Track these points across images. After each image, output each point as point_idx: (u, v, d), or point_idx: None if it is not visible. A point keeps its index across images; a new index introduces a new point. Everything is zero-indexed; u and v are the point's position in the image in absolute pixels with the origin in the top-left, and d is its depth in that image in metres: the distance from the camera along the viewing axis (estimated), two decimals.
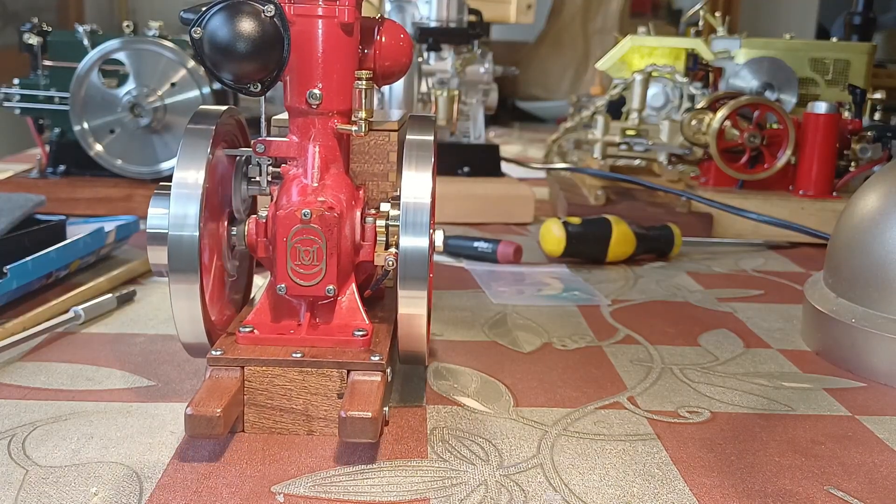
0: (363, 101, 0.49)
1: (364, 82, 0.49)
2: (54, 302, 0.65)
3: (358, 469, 0.45)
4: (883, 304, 0.60)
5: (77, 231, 0.77)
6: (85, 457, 0.45)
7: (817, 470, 0.46)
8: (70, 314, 0.64)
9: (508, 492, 0.43)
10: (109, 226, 0.80)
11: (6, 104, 1.04)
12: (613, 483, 0.44)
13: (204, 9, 0.45)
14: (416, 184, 0.48)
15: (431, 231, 0.53)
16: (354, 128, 0.50)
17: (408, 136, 0.50)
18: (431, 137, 0.50)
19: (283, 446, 0.47)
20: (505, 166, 1.16)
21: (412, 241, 0.48)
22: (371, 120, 0.51)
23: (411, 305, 0.48)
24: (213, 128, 0.49)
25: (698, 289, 0.81)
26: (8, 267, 0.64)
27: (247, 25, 0.44)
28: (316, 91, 0.49)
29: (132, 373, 0.56)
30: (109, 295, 0.68)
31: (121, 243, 0.82)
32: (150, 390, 0.54)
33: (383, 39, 0.52)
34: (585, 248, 0.87)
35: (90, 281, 0.71)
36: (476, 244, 0.88)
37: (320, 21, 0.48)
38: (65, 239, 0.75)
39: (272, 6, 0.45)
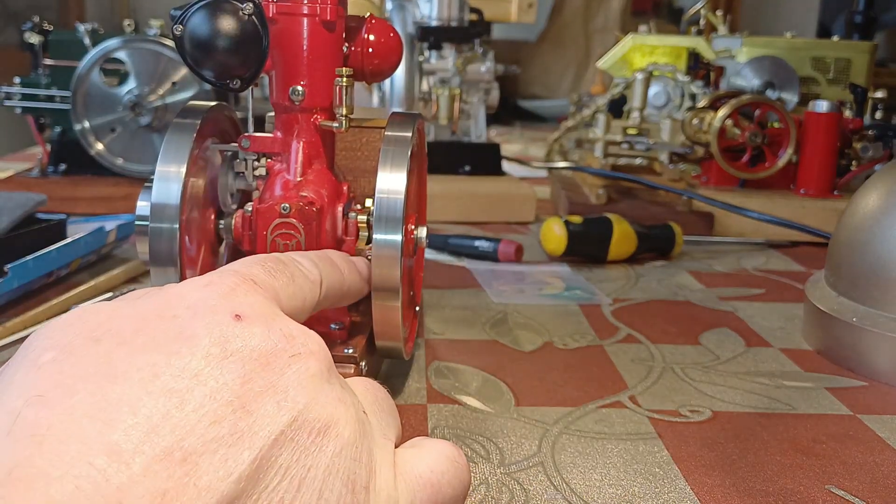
0: (344, 97, 0.49)
1: (344, 79, 0.49)
2: (54, 301, 0.65)
3: None
4: (884, 302, 0.60)
5: (78, 230, 0.77)
6: None
7: (818, 469, 0.46)
8: None
9: (510, 490, 0.43)
10: (110, 225, 0.80)
11: (7, 103, 1.04)
12: (615, 482, 0.44)
13: (185, 7, 0.46)
14: (391, 179, 0.49)
15: (413, 227, 0.53)
16: (335, 124, 0.50)
17: (385, 133, 0.51)
18: (409, 134, 0.50)
19: None
20: (506, 165, 1.16)
21: (385, 235, 0.48)
22: (358, 117, 0.51)
23: (385, 298, 0.49)
24: (198, 122, 0.50)
25: (699, 288, 0.81)
26: (9, 266, 0.64)
27: (225, 23, 0.45)
28: (298, 88, 0.49)
29: None
30: (109, 294, 0.68)
31: (121, 242, 0.82)
32: None
33: (371, 37, 0.53)
34: (586, 247, 0.87)
35: (90, 280, 0.71)
36: (477, 243, 0.88)
37: (302, 19, 0.49)
38: (65, 238, 0.75)
39: (251, 4, 0.46)
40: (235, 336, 0.28)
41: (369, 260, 0.49)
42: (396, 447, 0.33)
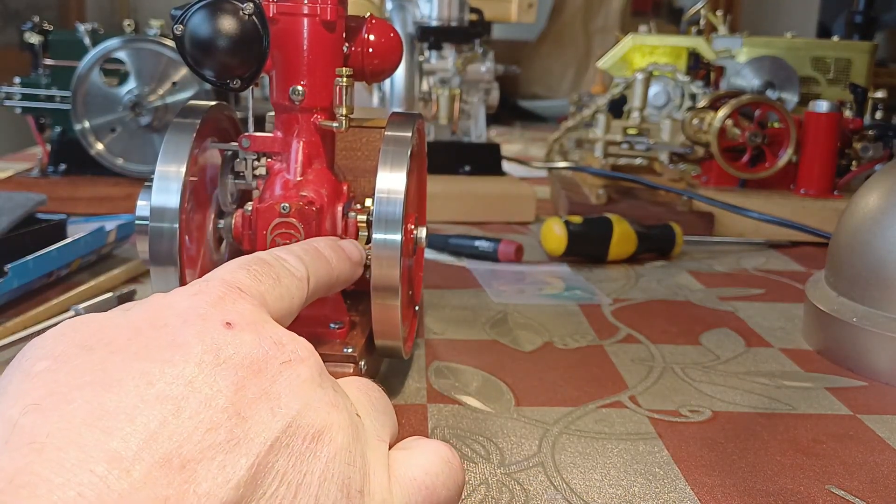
0: (344, 97, 0.49)
1: (344, 79, 0.49)
2: (54, 301, 0.65)
3: None
4: (884, 302, 0.60)
5: (78, 230, 0.77)
6: None
7: (818, 469, 0.46)
8: (70, 313, 0.64)
9: (510, 490, 0.43)
10: (110, 225, 0.80)
11: (7, 103, 1.04)
12: (615, 482, 0.44)
13: (186, 7, 0.46)
14: (390, 179, 0.49)
15: (413, 227, 0.53)
16: (335, 124, 0.50)
17: (385, 133, 0.51)
18: (409, 134, 0.50)
19: None
20: (506, 165, 1.16)
21: (384, 235, 0.48)
22: (358, 117, 0.51)
23: (384, 297, 0.49)
24: (198, 122, 0.50)
25: (699, 288, 0.81)
26: (9, 266, 0.64)
27: (225, 23, 0.45)
28: (299, 88, 0.50)
29: None
30: (109, 294, 0.68)
31: (121, 242, 0.82)
32: None
33: (371, 37, 0.53)
34: (586, 247, 0.87)
35: (90, 280, 0.71)
36: (477, 243, 0.88)
37: (302, 19, 0.49)
38: (66, 238, 0.75)
39: (251, 4, 0.46)
40: (227, 344, 0.28)
41: (368, 248, 0.49)
42: (392, 447, 0.33)
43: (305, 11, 0.49)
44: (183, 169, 0.49)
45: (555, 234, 0.86)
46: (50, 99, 1.04)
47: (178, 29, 0.46)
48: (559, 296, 0.77)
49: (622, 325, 0.69)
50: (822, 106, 1.02)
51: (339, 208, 0.52)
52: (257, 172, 0.53)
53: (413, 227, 0.54)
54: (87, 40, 1.02)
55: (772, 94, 1.27)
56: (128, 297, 0.70)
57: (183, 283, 0.50)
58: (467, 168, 1.11)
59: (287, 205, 0.48)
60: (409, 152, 0.50)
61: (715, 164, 1.06)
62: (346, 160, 0.58)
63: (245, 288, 0.32)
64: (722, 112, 1.02)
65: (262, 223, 0.49)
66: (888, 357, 0.59)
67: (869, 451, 0.49)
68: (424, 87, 1.10)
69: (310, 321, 0.51)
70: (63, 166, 1.05)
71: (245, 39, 0.46)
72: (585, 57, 2.51)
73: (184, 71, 1.00)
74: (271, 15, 0.49)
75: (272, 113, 0.54)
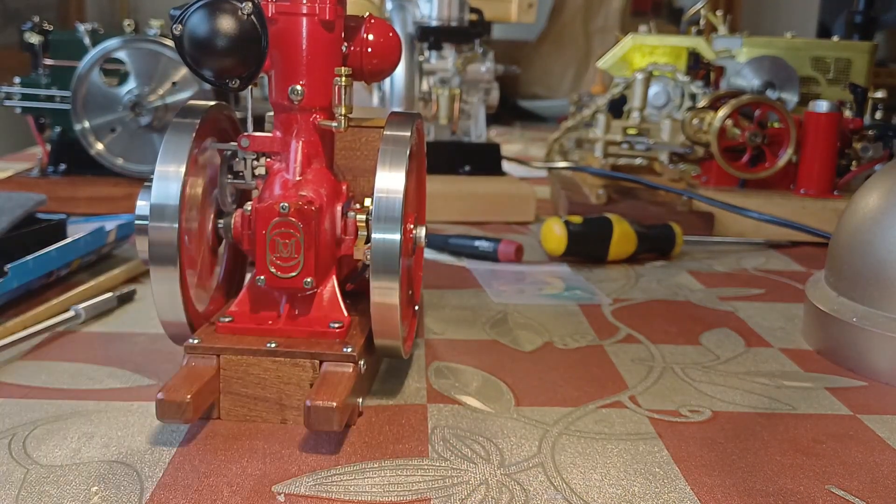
0: (343, 97, 0.49)
1: (343, 79, 0.49)
2: (55, 301, 0.65)
3: (359, 468, 0.45)
4: (884, 302, 0.60)
5: (78, 230, 0.77)
6: (86, 456, 0.45)
7: (818, 469, 0.46)
8: (70, 313, 0.64)
9: (510, 491, 0.43)
10: (110, 225, 0.80)
11: (7, 103, 1.04)
12: (615, 482, 0.44)
13: (185, 7, 0.46)
14: (389, 178, 0.49)
15: (412, 226, 0.53)
16: (334, 123, 0.50)
17: (384, 132, 0.51)
18: (408, 133, 0.51)
19: (284, 444, 0.47)
20: (506, 165, 1.16)
21: (383, 234, 0.48)
22: (357, 117, 0.52)
23: (383, 296, 0.49)
24: (198, 122, 0.50)
25: (699, 288, 0.81)
26: (9, 266, 0.64)
27: (224, 23, 0.46)
28: (298, 87, 0.50)
29: (133, 372, 0.56)
30: (110, 294, 0.68)
31: (121, 242, 0.82)
32: (150, 389, 0.54)
33: (370, 37, 0.53)
34: (586, 247, 0.87)
35: (91, 280, 0.71)
36: (477, 243, 0.88)
37: (301, 19, 0.49)
38: (65, 238, 0.75)
39: (250, 4, 0.46)
40: None
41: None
42: None
43: (304, 11, 0.49)
44: (183, 169, 0.49)
45: (555, 234, 0.86)
46: (50, 99, 1.04)
47: (178, 29, 0.46)
48: (559, 296, 0.77)
49: (622, 325, 0.69)
50: (822, 106, 1.02)
51: (339, 208, 0.52)
52: (257, 172, 0.53)
53: (412, 226, 0.54)
54: (87, 40, 1.02)
55: (772, 94, 1.27)
56: (128, 297, 0.70)
57: (183, 282, 0.50)
58: (467, 168, 1.11)
59: (286, 204, 0.48)
60: (407, 152, 0.50)
61: (715, 164, 1.06)
62: (346, 160, 0.58)
63: None
64: (722, 112, 1.02)
65: (261, 223, 0.49)
66: (888, 357, 0.59)
67: (869, 451, 0.49)
68: (424, 87, 1.10)
69: (310, 321, 0.51)
70: (63, 166, 1.05)
71: (244, 39, 0.46)
72: (585, 57, 2.51)
73: (184, 71, 1.00)
74: (270, 15, 0.49)
75: (272, 113, 0.54)
